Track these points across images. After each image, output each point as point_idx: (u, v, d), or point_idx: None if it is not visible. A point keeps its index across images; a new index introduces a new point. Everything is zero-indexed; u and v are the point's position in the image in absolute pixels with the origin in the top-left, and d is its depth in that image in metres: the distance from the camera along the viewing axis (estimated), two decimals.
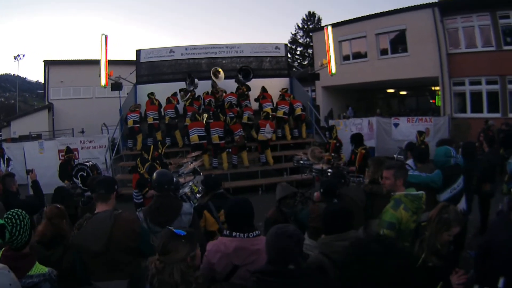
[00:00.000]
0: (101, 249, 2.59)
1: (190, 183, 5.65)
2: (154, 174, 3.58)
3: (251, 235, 2.47)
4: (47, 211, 2.88)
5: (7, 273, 2.03)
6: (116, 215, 2.71)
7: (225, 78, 12.34)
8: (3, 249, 2.45)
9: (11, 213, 2.46)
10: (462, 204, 4.19)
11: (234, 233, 2.46)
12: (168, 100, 11.63)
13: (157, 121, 11.16)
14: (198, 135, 9.68)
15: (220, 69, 12.16)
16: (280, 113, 11.25)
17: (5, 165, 12.35)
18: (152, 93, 11.94)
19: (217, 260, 2.40)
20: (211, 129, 9.79)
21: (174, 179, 4.09)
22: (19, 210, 2.52)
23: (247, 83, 12.30)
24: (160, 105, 11.64)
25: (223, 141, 9.91)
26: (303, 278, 2.00)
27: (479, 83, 15.32)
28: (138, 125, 11.07)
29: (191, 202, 4.90)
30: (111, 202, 2.85)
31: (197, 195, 5.33)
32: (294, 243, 2.02)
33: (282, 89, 12.66)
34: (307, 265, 2.25)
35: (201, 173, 6.43)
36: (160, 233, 2.17)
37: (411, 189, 3.21)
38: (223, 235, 2.55)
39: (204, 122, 9.98)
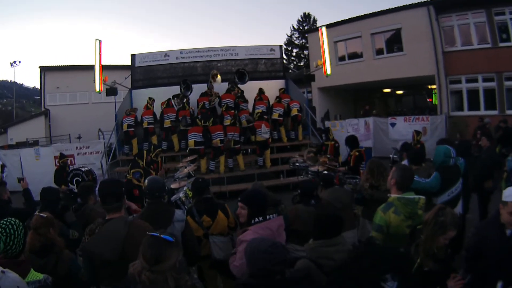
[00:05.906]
0: (115, 257, 2.50)
1: (185, 188, 5.59)
2: (146, 181, 3.46)
3: (277, 214, 2.90)
4: (32, 222, 2.83)
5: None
6: (130, 223, 2.64)
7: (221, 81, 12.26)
8: None
9: (4, 222, 2.44)
10: (458, 208, 4.11)
11: (268, 216, 2.76)
12: (168, 104, 11.53)
13: (152, 125, 11.10)
14: (194, 140, 9.73)
15: (219, 74, 12.07)
16: (275, 115, 11.20)
17: (1, 171, 12.28)
18: (151, 98, 11.85)
19: None
20: (213, 134, 9.85)
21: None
22: (13, 219, 2.50)
23: (241, 85, 12.22)
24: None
25: (222, 145, 9.91)
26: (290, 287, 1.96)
27: (476, 80, 15.32)
28: (132, 129, 11.01)
29: (185, 207, 4.84)
30: (123, 208, 2.77)
31: (191, 199, 5.27)
32: (272, 262, 1.97)
33: (280, 89, 12.63)
34: (293, 272, 2.19)
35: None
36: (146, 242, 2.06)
37: (409, 193, 3.08)
38: (257, 222, 2.72)
39: (202, 126, 9.96)
